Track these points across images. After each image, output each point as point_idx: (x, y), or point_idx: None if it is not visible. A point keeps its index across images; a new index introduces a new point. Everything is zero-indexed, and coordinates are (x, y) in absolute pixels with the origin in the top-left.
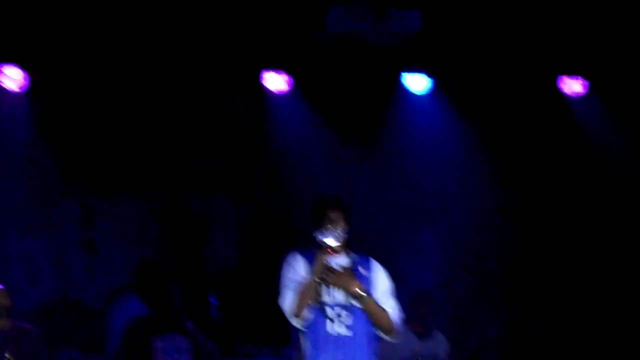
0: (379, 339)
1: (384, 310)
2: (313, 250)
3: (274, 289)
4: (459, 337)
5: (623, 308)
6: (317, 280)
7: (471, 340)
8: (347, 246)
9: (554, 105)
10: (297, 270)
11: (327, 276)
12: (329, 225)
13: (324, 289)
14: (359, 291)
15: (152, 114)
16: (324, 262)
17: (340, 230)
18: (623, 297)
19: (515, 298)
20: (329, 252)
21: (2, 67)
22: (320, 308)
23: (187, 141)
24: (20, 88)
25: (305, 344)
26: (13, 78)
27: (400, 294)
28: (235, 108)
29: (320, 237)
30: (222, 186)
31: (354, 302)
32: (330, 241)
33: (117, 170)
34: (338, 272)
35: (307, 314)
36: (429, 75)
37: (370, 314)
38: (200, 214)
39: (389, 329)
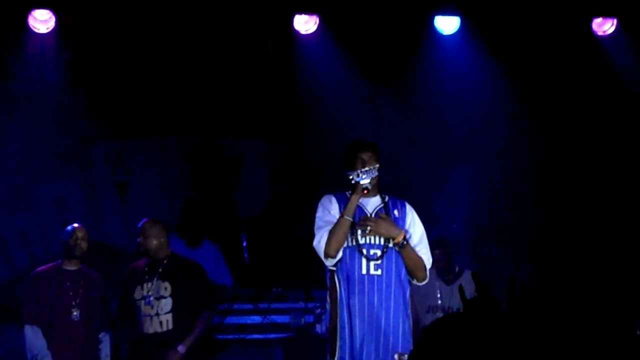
0: (409, 282)
1: (419, 256)
2: (346, 192)
3: (305, 231)
4: (485, 279)
5: None
6: (348, 219)
7: (496, 283)
8: (380, 189)
9: (585, 44)
10: (331, 211)
11: (365, 225)
12: (361, 167)
13: (358, 230)
14: (400, 238)
15: (182, 57)
16: (357, 202)
17: (373, 171)
18: None
19: (545, 240)
20: (363, 192)
21: (32, 10)
22: (354, 248)
23: (218, 84)
24: (49, 30)
25: (338, 284)
26: (42, 20)
27: (430, 237)
28: (266, 50)
29: (354, 177)
30: (252, 129)
31: (391, 245)
32: (364, 181)
33: (148, 113)
34: (377, 219)
35: (340, 253)
36: (459, 16)
37: (406, 259)
38: (231, 156)
39: (420, 274)
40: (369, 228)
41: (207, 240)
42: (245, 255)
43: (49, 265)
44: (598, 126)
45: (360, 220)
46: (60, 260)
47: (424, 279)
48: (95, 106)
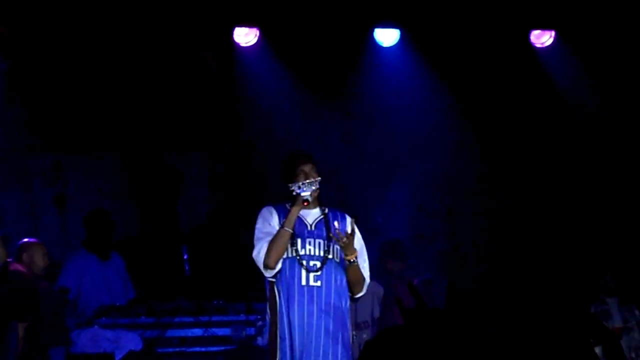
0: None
1: (361, 272)
2: (285, 204)
3: (246, 243)
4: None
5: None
6: (288, 230)
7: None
8: (319, 201)
9: (523, 55)
10: (271, 223)
11: (342, 237)
12: (303, 179)
13: (299, 241)
14: (353, 257)
15: (123, 70)
16: (297, 214)
17: (314, 183)
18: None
19: (487, 248)
20: (303, 204)
21: None
22: (294, 259)
23: (159, 97)
24: None
25: (278, 295)
26: None
27: (371, 247)
28: (205, 63)
29: (295, 189)
30: (193, 142)
31: (330, 256)
32: (305, 193)
33: (87, 126)
34: (344, 234)
35: (279, 265)
36: (399, 28)
37: (350, 275)
38: (171, 169)
39: (359, 288)
40: (344, 242)
41: (114, 252)
42: (186, 268)
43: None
44: (536, 137)
45: (334, 232)
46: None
47: (360, 293)
48: (34, 119)
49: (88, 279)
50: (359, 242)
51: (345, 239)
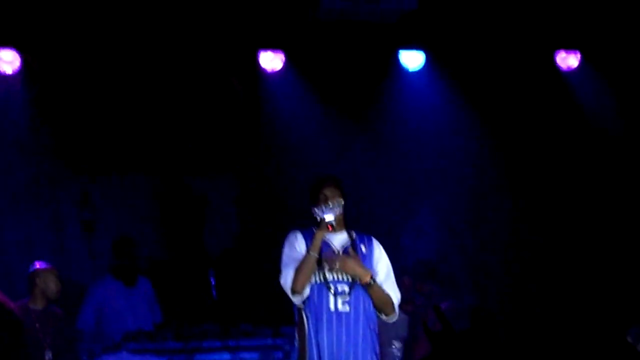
0: (377, 318)
1: (386, 293)
2: (312, 228)
3: (273, 267)
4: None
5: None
6: (314, 255)
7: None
8: (346, 224)
9: (549, 78)
10: (297, 248)
11: (333, 262)
12: (325, 202)
13: (326, 265)
14: (367, 279)
15: (148, 96)
16: (322, 237)
17: (336, 206)
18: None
19: (512, 273)
20: (327, 228)
21: None
22: (322, 284)
23: (185, 122)
24: (14, 71)
25: (307, 321)
26: (7, 61)
27: (398, 270)
28: (232, 88)
29: (317, 213)
30: (219, 166)
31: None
32: (328, 217)
33: (114, 152)
34: (344, 257)
35: (306, 290)
36: (424, 52)
37: (373, 297)
38: (198, 194)
39: (388, 310)
40: (336, 266)
41: (141, 277)
42: (214, 292)
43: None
44: (562, 160)
45: (326, 257)
46: (26, 299)
47: (392, 315)
48: (61, 146)
49: (112, 305)
50: (386, 263)
51: (339, 262)
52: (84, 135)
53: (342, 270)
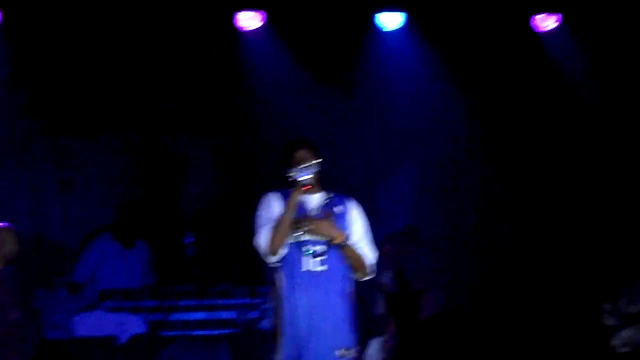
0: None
1: (360, 254)
2: (288, 190)
3: (249, 228)
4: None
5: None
6: (290, 216)
7: (445, 277)
8: (322, 186)
9: (527, 40)
10: (272, 209)
11: (305, 225)
12: (300, 164)
13: (301, 227)
14: (339, 240)
15: (126, 55)
16: (298, 198)
17: (311, 167)
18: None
19: (490, 235)
20: (302, 189)
21: None
22: (297, 245)
23: (161, 82)
24: None
25: (281, 280)
26: None
27: (375, 231)
28: (208, 47)
29: (292, 174)
30: (197, 127)
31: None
32: (303, 178)
33: (91, 110)
34: (317, 220)
35: (282, 250)
36: (403, 12)
37: (347, 257)
38: (175, 153)
39: (363, 271)
40: (309, 227)
41: (140, 240)
42: (190, 252)
43: None
44: (541, 124)
45: (299, 219)
46: None
47: (365, 276)
48: (38, 103)
49: (108, 264)
50: (361, 223)
51: (311, 225)
52: (61, 94)
53: (315, 232)
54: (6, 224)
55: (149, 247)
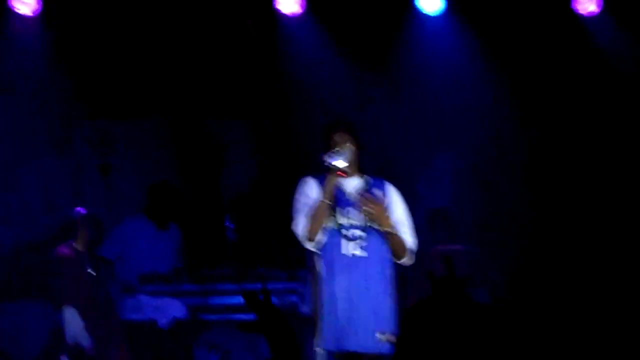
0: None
1: (402, 238)
2: (325, 174)
3: (288, 213)
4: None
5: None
6: (325, 201)
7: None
8: (360, 169)
9: (568, 24)
10: (310, 194)
11: (365, 204)
12: (335, 148)
13: (339, 210)
14: (387, 226)
15: (168, 40)
16: (335, 184)
17: (346, 152)
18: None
19: (528, 220)
20: (338, 174)
21: None
22: (336, 229)
23: (202, 67)
24: (34, 12)
25: (320, 266)
26: (26, 2)
27: (414, 215)
28: (248, 32)
29: (326, 159)
30: (237, 111)
31: (372, 224)
32: (338, 162)
33: (133, 94)
34: (378, 204)
35: (320, 236)
36: None
37: (390, 242)
38: (216, 138)
39: (403, 255)
40: (366, 209)
41: (173, 224)
42: (230, 236)
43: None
44: (583, 108)
45: (361, 197)
46: (71, 241)
47: (408, 260)
48: (79, 88)
49: (137, 244)
50: (402, 209)
51: (372, 207)
52: (102, 79)
53: (367, 213)
54: (84, 210)
55: (181, 232)
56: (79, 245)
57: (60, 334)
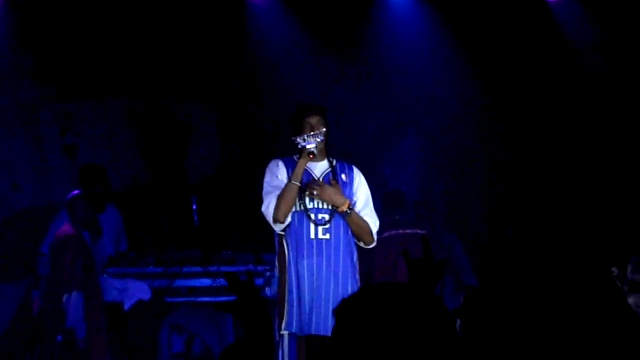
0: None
1: (364, 221)
2: (294, 157)
3: (254, 195)
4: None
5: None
6: (296, 184)
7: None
8: (328, 153)
9: (535, 9)
10: (279, 176)
11: (312, 188)
12: (308, 131)
13: (307, 194)
14: (345, 208)
15: (132, 20)
16: (304, 166)
17: (318, 135)
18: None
19: (495, 202)
20: (309, 157)
21: None
22: (303, 213)
23: (168, 48)
24: None
25: (287, 249)
26: None
27: (378, 198)
28: (216, 12)
29: (299, 142)
30: (202, 92)
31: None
32: (310, 145)
33: (97, 75)
34: (324, 185)
35: (288, 219)
36: None
37: (351, 225)
38: (181, 119)
39: (367, 238)
40: (315, 192)
41: (110, 205)
42: (195, 219)
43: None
44: (548, 94)
45: (307, 184)
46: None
47: (370, 243)
48: (43, 68)
49: None
50: (365, 191)
51: (318, 189)
52: (66, 59)
53: (321, 198)
54: (77, 191)
55: (118, 212)
56: (75, 228)
57: (62, 316)
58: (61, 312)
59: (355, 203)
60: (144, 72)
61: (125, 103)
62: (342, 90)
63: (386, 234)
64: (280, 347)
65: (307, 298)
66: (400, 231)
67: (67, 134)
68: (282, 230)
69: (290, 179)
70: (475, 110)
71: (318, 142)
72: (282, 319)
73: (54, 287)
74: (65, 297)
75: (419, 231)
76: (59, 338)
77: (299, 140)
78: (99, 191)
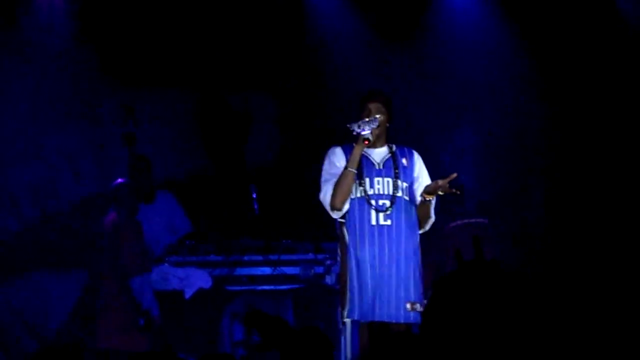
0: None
1: (431, 208)
2: (352, 144)
3: (315, 183)
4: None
5: None
6: (352, 170)
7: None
8: (387, 139)
9: (601, 6)
10: (336, 163)
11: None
12: (365, 116)
13: (367, 180)
14: (432, 197)
15: (191, 9)
16: (360, 153)
17: (372, 121)
18: None
19: (554, 197)
20: (364, 143)
21: None
22: (363, 199)
23: (227, 38)
24: None
25: (348, 236)
26: None
27: None
28: (274, 3)
29: (353, 128)
30: (261, 83)
31: (399, 194)
32: (364, 132)
33: (156, 66)
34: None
35: (346, 205)
36: None
37: (423, 210)
38: (239, 110)
39: (425, 225)
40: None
41: (160, 191)
42: (255, 207)
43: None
44: (611, 88)
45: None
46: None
47: (425, 230)
48: (104, 59)
49: None
50: (427, 175)
51: (441, 186)
52: (126, 49)
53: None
54: (124, 179)
55: (171, 195)
56: (120, 214)
57: (134, 302)
58: (132, 298)
59: (420, 186)
60: (204, 63)
61: (186, 93)
62: (400, 78)
63: (454, 224)
64: (343, 334)
65: (369, 285)
66: (466, 220)
67: (128, 124)
68: (342, 217)
69: (346, 165)
70: (537, 101)
71: (373, 128)
72: (344, 306)
73: (115, 274)
74: (133, 282)
75: (480, 220)
76: (141, 322)
77: (352, 126)
78: (143, 182)
